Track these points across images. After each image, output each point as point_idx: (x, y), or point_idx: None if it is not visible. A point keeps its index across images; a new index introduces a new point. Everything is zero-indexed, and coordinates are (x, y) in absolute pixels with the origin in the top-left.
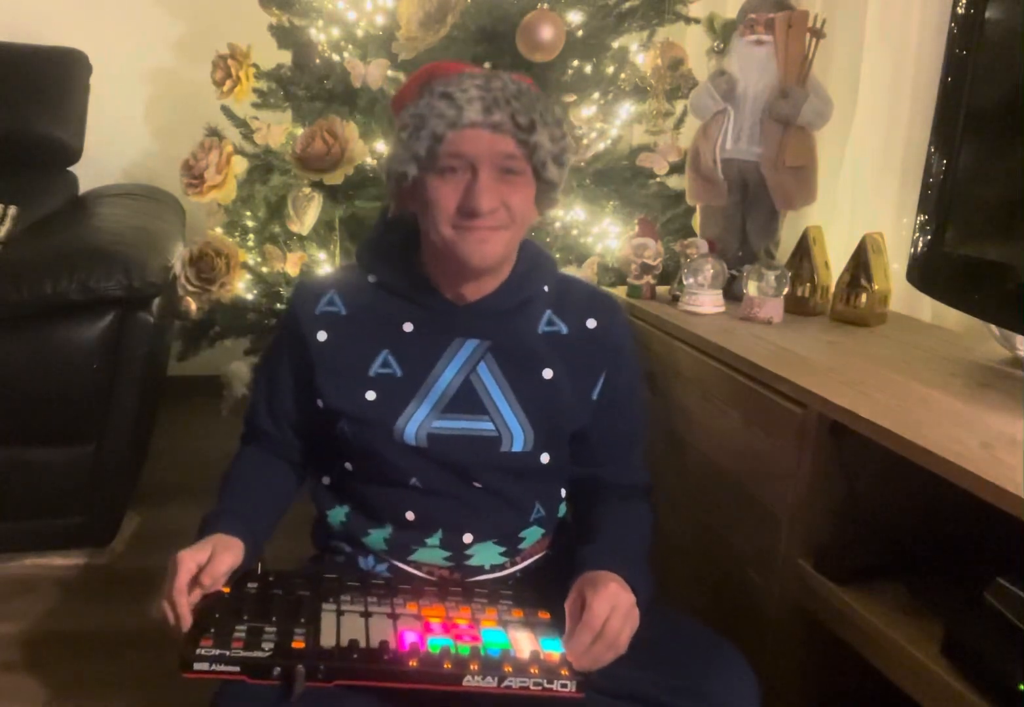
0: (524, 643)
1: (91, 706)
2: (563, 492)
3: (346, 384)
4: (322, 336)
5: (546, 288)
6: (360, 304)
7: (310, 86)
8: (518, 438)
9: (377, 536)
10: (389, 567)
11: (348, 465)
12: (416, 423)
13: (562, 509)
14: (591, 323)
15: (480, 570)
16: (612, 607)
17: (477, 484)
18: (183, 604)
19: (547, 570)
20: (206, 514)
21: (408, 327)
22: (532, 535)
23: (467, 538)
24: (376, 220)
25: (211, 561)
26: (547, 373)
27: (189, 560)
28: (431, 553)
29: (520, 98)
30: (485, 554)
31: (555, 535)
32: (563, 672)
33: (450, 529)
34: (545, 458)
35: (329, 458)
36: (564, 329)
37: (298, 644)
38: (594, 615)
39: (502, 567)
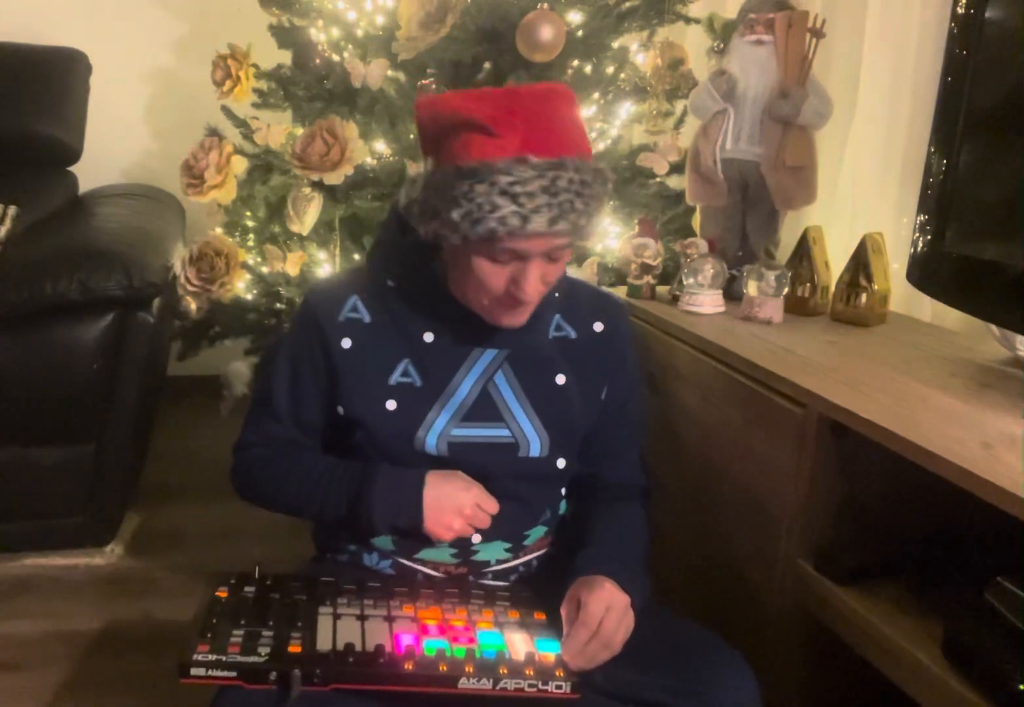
0: (520, 645)
1: (91, 706)
2: (563, 490)
3: (367, 392)
4: (347, 343)
5: (556, 294)
6: (382, 311)
7: (310, 86)
8: (534, 444)
9: (385, 538)
10: (393, 563)
11: None
12: (436, 433)
13: (563, 507)
14: (598, 326)
15: (486, 564)
16: (607, 607)
17: (494, 491)
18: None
19: (548, 566)
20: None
21: (429, 337)
22: (536, 533)
23: (476, 538)
24: (387, 219)
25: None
26: (560, 379)
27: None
28: (438, 552)
29: (583, 194)
30: (491, 551)
31: (556, 532)
32: (558, 673)
33: None
34: (561, 463)
35: None
36: (573, 333)
37: (294, 648)
38: (590, 614)
39: (507, 561)
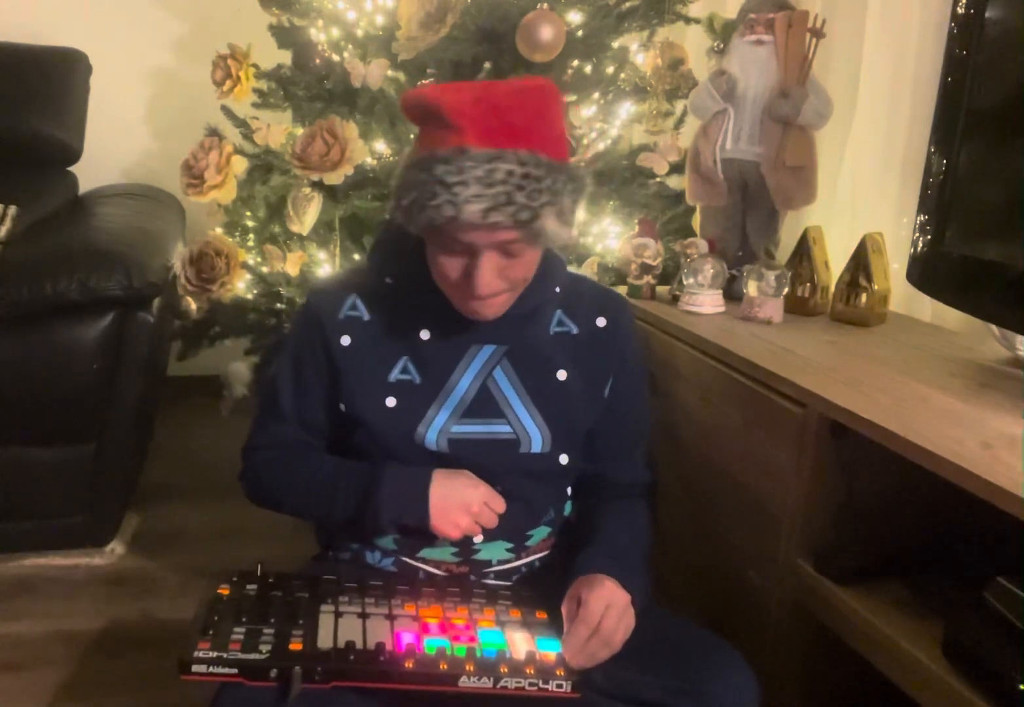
0: (520, 643)
1: (91, 706)
2: (569, 490)
3: (367, 390)
4: (346, 341)
5: (557, 289)
6: (380, 309)
7: (310, 86)
8: (536, 439)
9: (387, 537)
10: (395, 562)
11: None
12: (436, 429)
13: (568, 508)
14: (600, 322)
15: (488, 564)
16: (607, 605)
17: (498, 488)
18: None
19: (551, 567)
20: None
21: (425, 335)
22: (539, 534)
23: (478, 538)
24: (387, 217)
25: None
26: (561, 374)
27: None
28: (440, 551)
29: (526, 186)
30: (493, 550)
31: (560, 533)
32: (559, 672)
33: None
34: (564, 459)
35: None
36: (574, 329)
37: (295, 646)
38: (590, 612)
39: (508, 561)
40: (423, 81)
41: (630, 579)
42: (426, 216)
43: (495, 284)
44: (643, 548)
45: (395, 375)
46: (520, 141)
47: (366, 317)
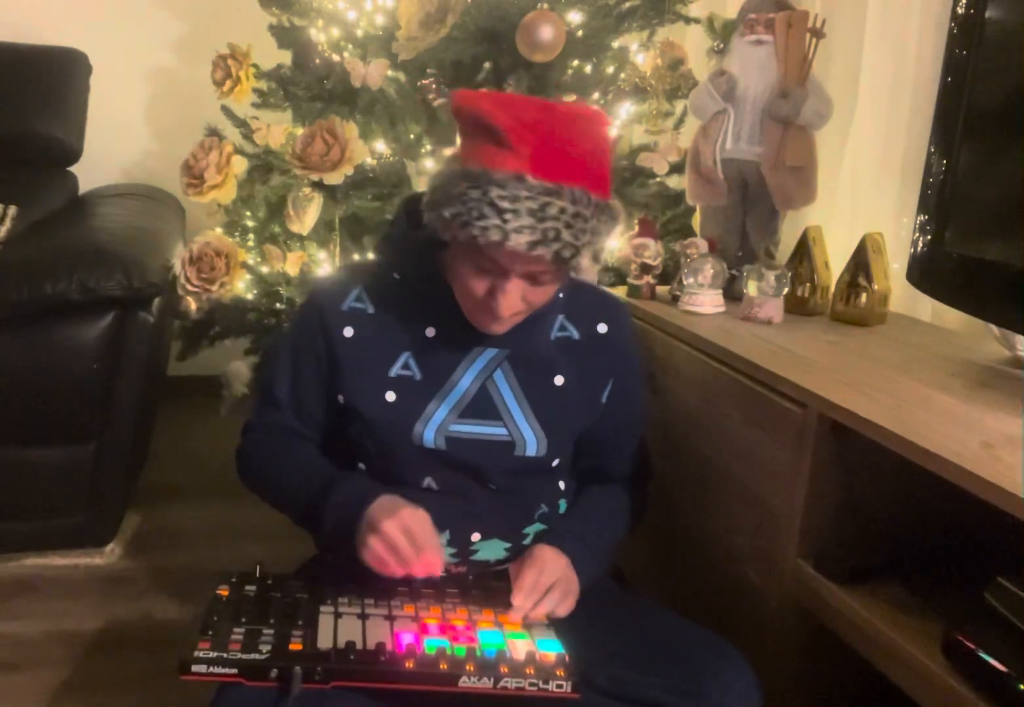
0: (520, 644)
1: (91, 706)
2: (562, 485)
3: (367, 383)
4: (348, 332)
5: (560, 294)
6: (386, 303)
7: (310, 86)
8: (531, 443)
9: None
10: None
11: (361, 466)
12: (434, 426)
13: (563, 505)
14: (602, 328)
15: (485, 564)
16: (540, 571)
17: (492, 486)
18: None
19: None
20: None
21: (430, 332)
22: (535, 530)
23: (475, 537)
24: (396, 213)
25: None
26: (559, 379)
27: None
28: None
29: (573, 226)
30: (491, 550)
31: None
32: (559, 673)
33: (459, 529)
34: (556, 462)
35: (341, 459)
36: (576, 334)
37: (295, 646)
38: (525, 572)
39: (507, 561)
40: (423, 81)
41: (570, 545)
42: (468, 233)
43: (516, 307)
44: (598, 521)
45: (396, 370)
46: (575, 177)
47: (370, 310)
